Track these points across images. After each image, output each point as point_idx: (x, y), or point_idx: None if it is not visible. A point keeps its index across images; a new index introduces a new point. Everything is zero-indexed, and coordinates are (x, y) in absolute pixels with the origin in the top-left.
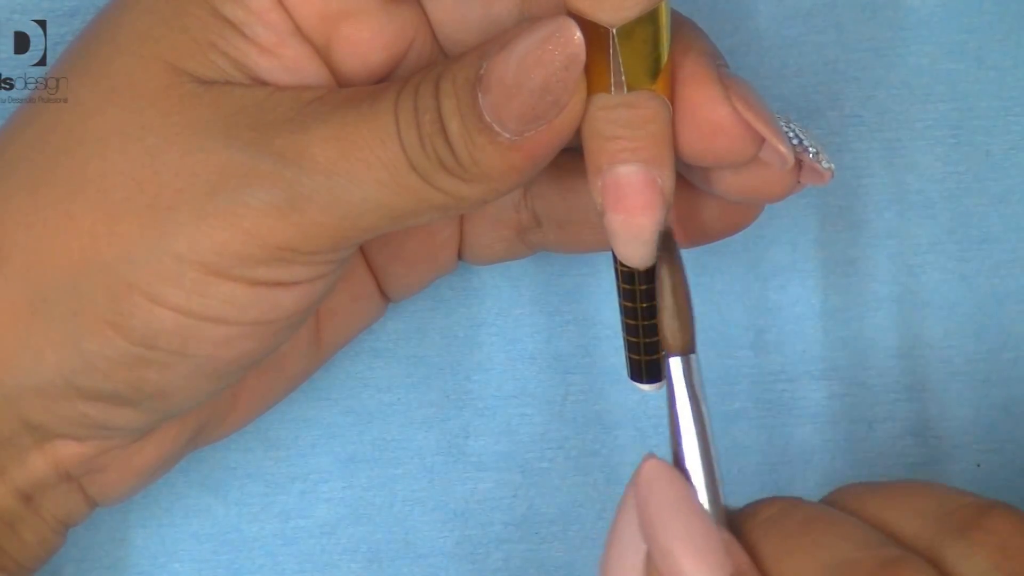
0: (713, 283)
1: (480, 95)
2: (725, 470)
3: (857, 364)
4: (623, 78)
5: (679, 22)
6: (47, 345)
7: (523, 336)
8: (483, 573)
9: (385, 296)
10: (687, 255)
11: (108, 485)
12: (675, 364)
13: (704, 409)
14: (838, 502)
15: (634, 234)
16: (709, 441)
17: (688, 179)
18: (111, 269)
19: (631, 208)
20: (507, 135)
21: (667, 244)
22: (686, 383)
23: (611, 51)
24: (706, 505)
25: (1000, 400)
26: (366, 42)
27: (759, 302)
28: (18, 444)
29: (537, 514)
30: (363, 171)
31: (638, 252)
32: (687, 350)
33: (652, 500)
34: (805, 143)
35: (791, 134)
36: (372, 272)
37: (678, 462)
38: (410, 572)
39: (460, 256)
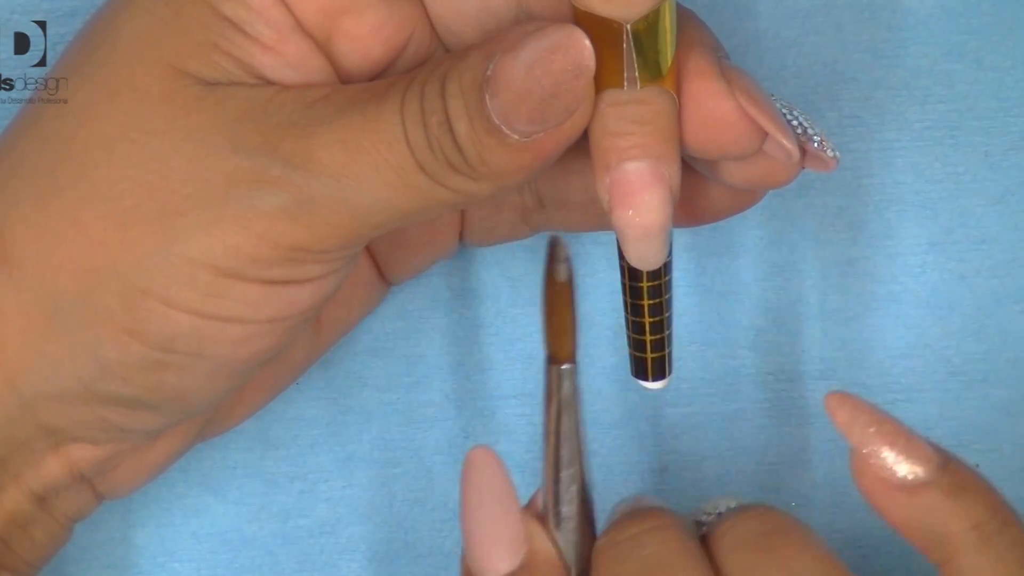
0: (713, 283)
1: (488, 97)
2: (724, 470)
3: (856, 364)
4: (636, 74)
5: (681, 15)
6: (64, 354)
7: (522, 336)
8: None
9: (385, 280)
10: (688, 245)
11: (118, 482)
12: (563, 372)
13: (581, 414)
14: (722, 538)
15: (643, 232)
16: (582, 442)
17: (692, 166)
18: (124, 276)
19: (640, 205)
20: (516, 136)
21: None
22: (570, 387)
23: (625, 47)
24: (567, 505)
25: (999, 400)
26: (366, 36)
27: (759, 302)
28: (34, 448)
29: None
30: (371, 174)
31: (648, 250)
32: (569, 356)
33: (465, 487)
34: (809, 131)
35: (795, 122)
36: (372, 257)
37: (554, 463)
38: (410, 572)
39: (462, 238)
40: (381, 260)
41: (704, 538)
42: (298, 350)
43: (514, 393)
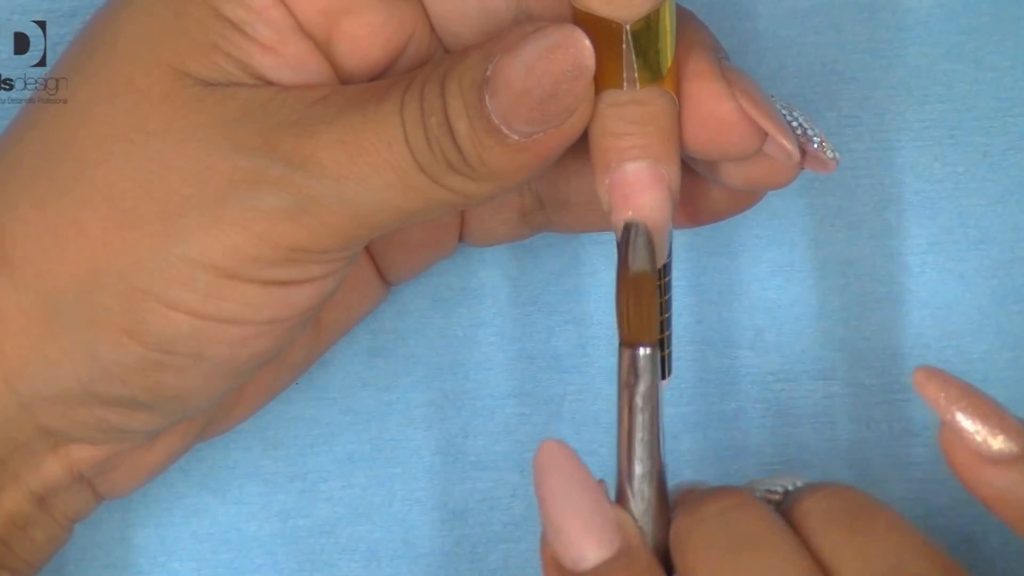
0: (712, 283)
1: (487, 97)
2: (724, 470)
3: (856, 364)
4: (635, 74)
5: (681, 15)
6: (63, 354)
7: (522, 336)
8: (482, 572)
9: (385, 281)
10: (687, 245)
11: (118, 482)
12: (644, 357)
13: (660, 397)
14: (808, 514)
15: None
16: (660, 428)
17: (692, 167)
18: (124, 277)
19: (640, 205)
20: (515, 137)
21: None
22: (652, 373)
23: (624, 47)
24: (648, 490)
25: (999, 400)
26: (366, 37)
27: (758, 302)
28: (33, 449)
29: (535, 513)
30: (371, 174)
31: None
32: (652, 341)
33: (546, 480)
34: (809, 132)
35: (795, 123)
36: (372, 258)
37: (630, 449)
38: (409, 571)
39: (461, 238)
40: (381, 260)
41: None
42: (298, 350)
43: (514, 393)
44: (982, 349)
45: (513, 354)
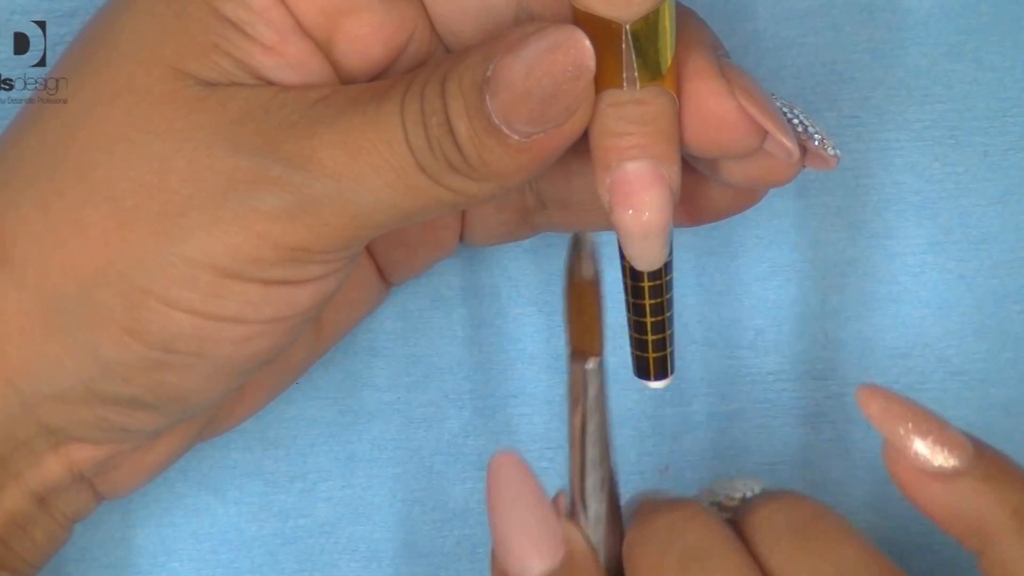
0: (713, 283)
1: (488, 97)
2: (724, 470)
3: (856, 364)
4: (635, 74)
5: (681, 13)
6: (65, 353)
7: (522, 336)
8: (482, 572)
9: (386, 280)
10: (688, 245)
11: (118, 482)
12: (590, 371)
13: (606, 408)
14: (759, 527)
15: (644, 232)
16: (609, 441)
17: (693, 166)
18: (125, 276)
19: (640, 205)
20: (516, 137)
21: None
22: (598, 387)
23: (624, 47)
24: (597, 504)
25: (999, 400)
26: (367, 37)
27: (759, 302)
28: (34, 448)
29: None
30: (372, 174)
31: (648, 250)
32: (597, 354)
33: (494, 493)
34: (810, 130)
35: (795, 120)
36: (372, 257)
37: (581, 463)
38: (409, 571)
39: (462, 238)
40: (381, 260)
41: (731, 524)
42: (299, 350)
43: (514, 393)
44: (983, 349)
45: (513, 354)
